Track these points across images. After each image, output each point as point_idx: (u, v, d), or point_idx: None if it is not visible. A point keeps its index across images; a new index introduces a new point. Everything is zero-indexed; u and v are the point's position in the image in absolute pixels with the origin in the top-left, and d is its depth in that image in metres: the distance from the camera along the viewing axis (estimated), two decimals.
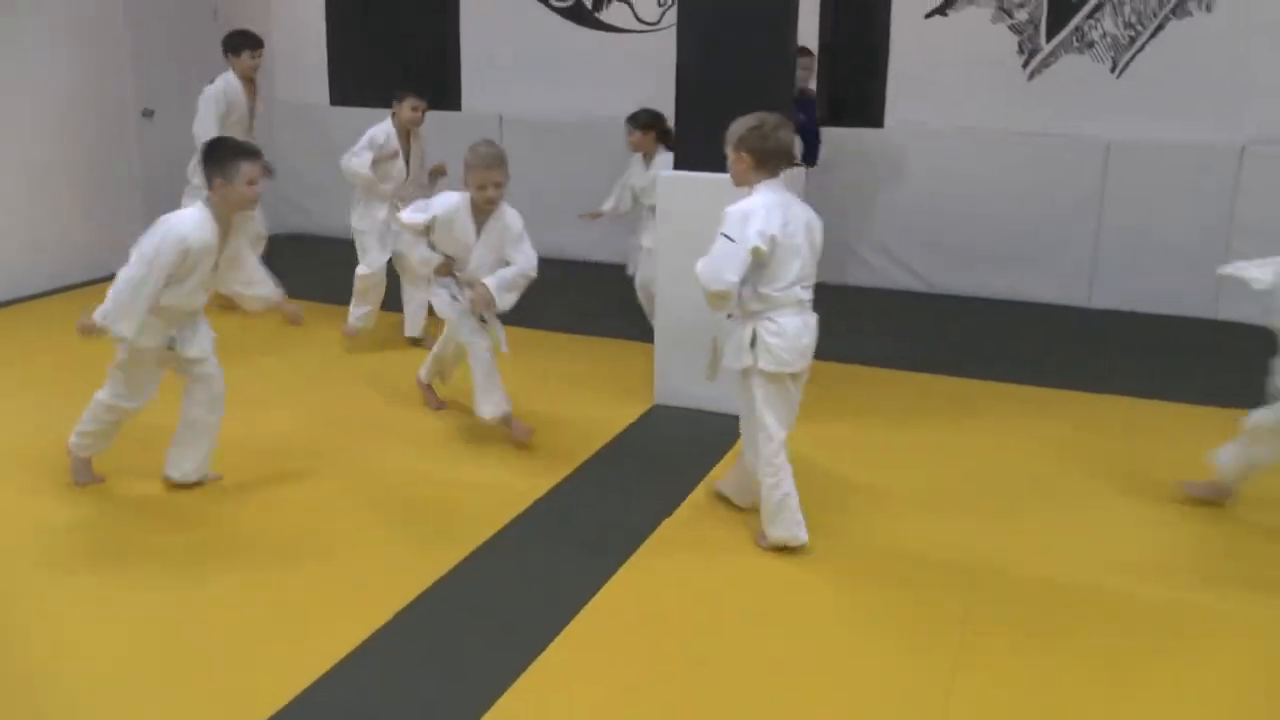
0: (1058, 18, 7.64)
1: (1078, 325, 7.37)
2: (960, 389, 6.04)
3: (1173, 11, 7.38)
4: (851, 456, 5.08)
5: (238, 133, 6.45)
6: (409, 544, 4.16)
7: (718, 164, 5.08)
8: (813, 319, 4.08)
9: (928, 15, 7.88)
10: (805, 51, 7.21)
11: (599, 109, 8.44)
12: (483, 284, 4.87)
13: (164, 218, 4.21)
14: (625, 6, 8.67)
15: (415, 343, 6.54)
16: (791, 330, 3.97)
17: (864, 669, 3.39)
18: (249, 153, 4.28)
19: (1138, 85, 7.48)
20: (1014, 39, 7.74)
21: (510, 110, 8.87)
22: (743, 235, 3.85)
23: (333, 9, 9.61)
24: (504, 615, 3.68)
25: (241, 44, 6.99)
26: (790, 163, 4.20)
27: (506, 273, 4.93)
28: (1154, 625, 3.66)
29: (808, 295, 4.05)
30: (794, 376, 4.05)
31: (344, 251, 6.91)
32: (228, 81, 6.95)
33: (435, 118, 8.80)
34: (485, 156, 4.87)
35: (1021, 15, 7.69)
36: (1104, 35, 7.54)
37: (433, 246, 5.06)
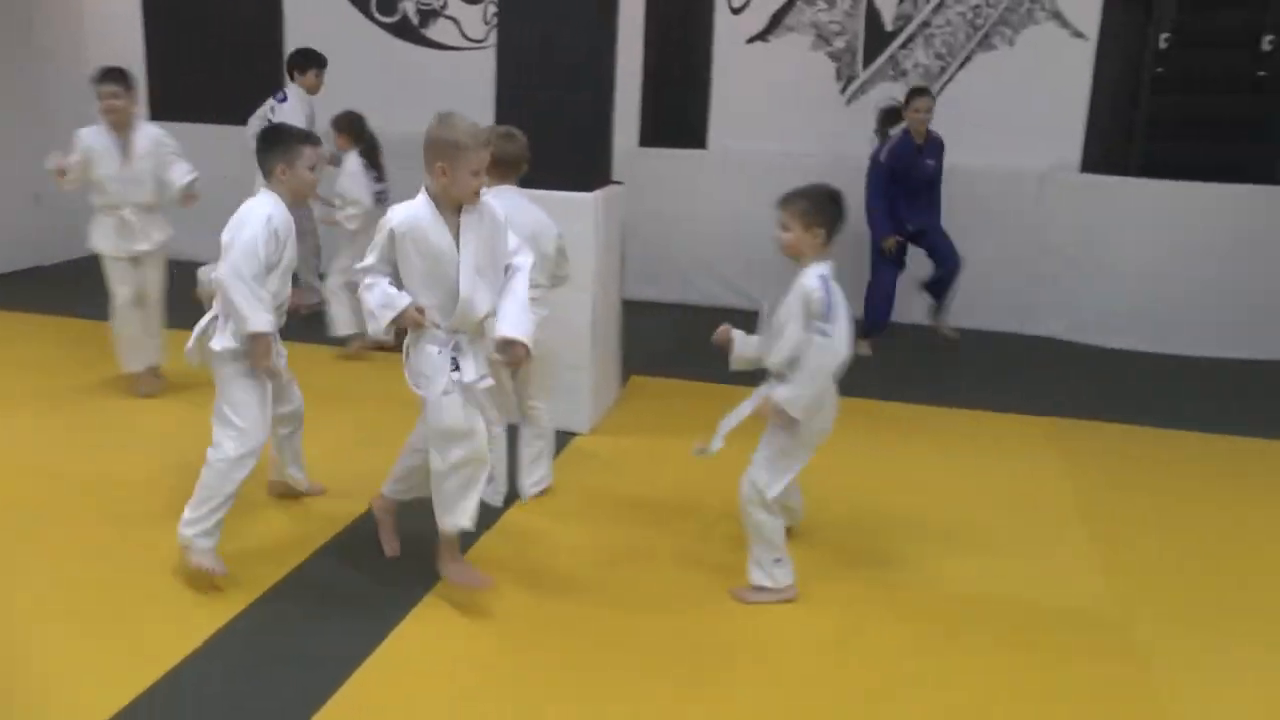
0: (873, 47, 7.93)
1: (898, 340, 7.63)
2: None
3: (979, 45, 7.74)
4: (662, 469, 5.16)
5: None
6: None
7: (539, 180, 5.13)
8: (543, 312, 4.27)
9: (749, 41, 8.10)
10: (922, 92, 7.11)
11: (424, 127, 8.36)
12: (509, 339, 3.68)
13: (236, 213, 3.97)
14: (452, 24, 8.66)
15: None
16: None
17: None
18: (310, 139, 4.18)
19: (949, 113, 7.78)
20: (832, 66, 8.00)
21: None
22: None
23: (151, 29, 9.32)
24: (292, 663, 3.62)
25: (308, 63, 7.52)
26: (518, 172, 4.48)
27: (518, 294, 3.77)
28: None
29: (537, 294, 4.19)
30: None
31: None
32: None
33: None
34: (473, 132, 3.72)
35: (839, 43, 7.96)
36: (916, 65, 7.85)
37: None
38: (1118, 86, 7.67)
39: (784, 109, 8.10)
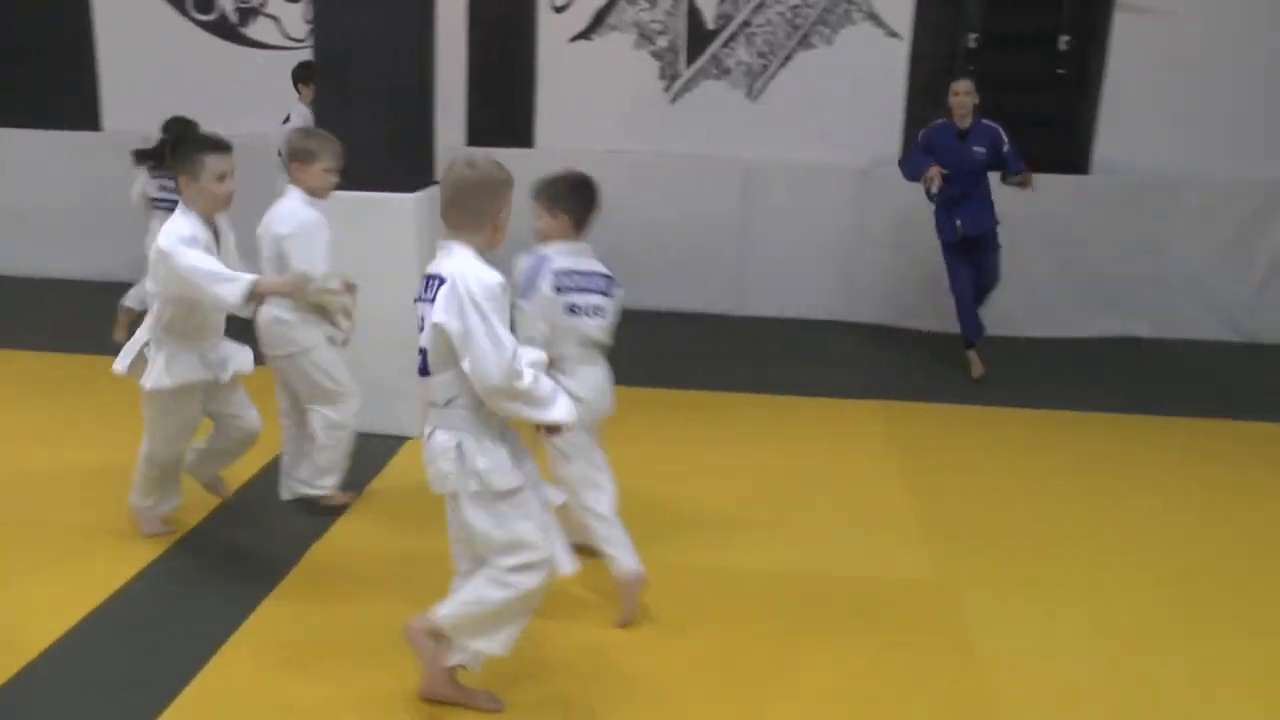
0: (696, 45, 8.06)
1: (730, 333, 7.78)
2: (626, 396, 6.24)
3: (799, 44, 7.93)
4: None
5: None
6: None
7: (360, 181, 5.08)
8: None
9: (572, 39, 8.14)
10: (961, 75, 6.89)
11: (249, 127, 8.18)
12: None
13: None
14: (272, 22, 8.47)
15: None
16: None
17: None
18: (216, 145, 3.87)
19: (772, 110, 7.99)
20: (656, 64, 8.11)
21: (157, 129, 8.43)
22: None
23: None
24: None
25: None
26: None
27: None
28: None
29: None
30: None
31: None
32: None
33: (73, 139, 8.35)
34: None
35: (662, 42, 8.06)
36: (739, 63, 8.01)
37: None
38: (933, 84, 7.94)
39: (609, 107, 8.17)
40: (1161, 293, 7.87)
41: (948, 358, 7.31)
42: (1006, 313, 7.75)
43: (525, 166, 8.17)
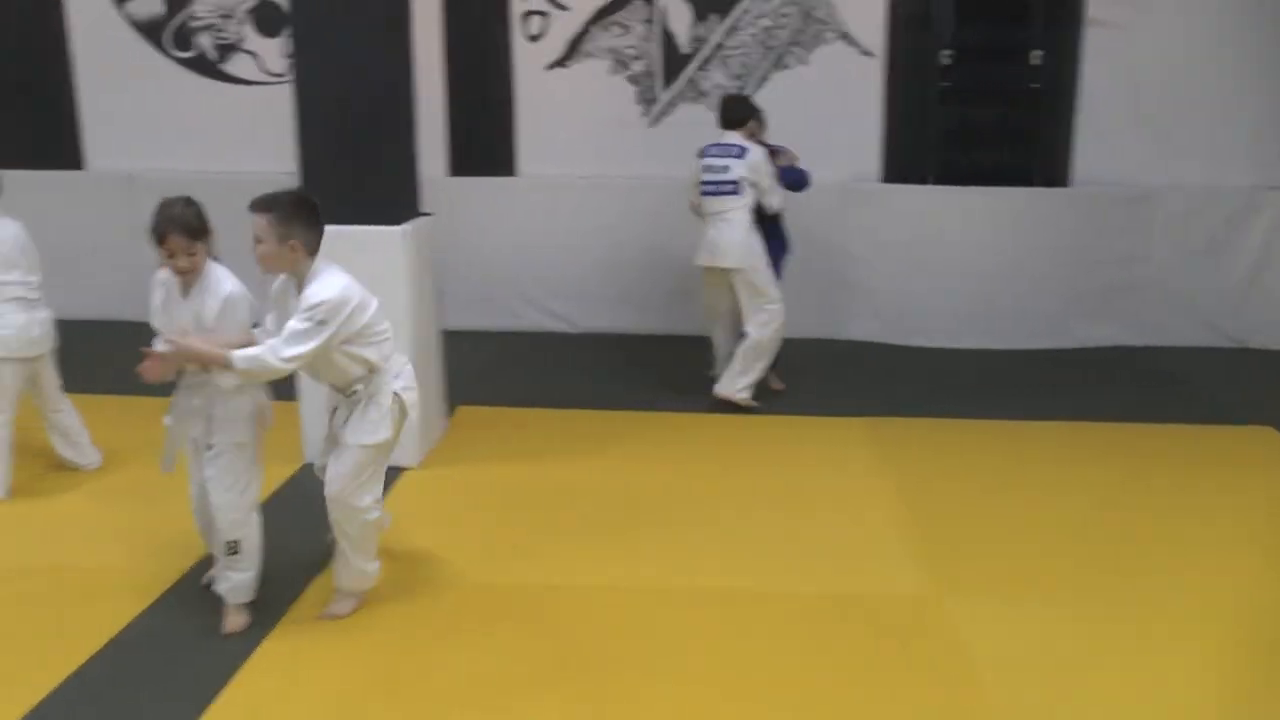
0: (672, 70, 8.13)
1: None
2: (606, 421, 6.33)
3: (775, 65, 8.02)
4: (493, 498, 5.21)
5: None
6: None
7: (346, 214, 5.12)
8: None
9: (548, 67, 8.20)
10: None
11: (232, 165, 8.25)
12: None
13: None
14: (250, 58, 8.50)
15: None
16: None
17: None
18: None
19: None
20: (633, 89, 8.17)
21: (141, 168, 8.46)
22: None
23: None
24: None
25: None
26: None
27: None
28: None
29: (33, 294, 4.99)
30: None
31: None
32: None
33: (57, 179, 8.36)
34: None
35: (638, 67, 8.14)
36: (716, 86, 8.07)
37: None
38: (908, 101, 8.05)
39: (589, 133, 8.23)
40: (1142, 300, 7.96)
41: (938, 372, 7.39)
42: (994, 324, 7.86)
43: (509, 195, 8.40)
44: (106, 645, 3.81)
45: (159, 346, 3.70)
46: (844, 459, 5.72)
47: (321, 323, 3.63)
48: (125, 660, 3.74)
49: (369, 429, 3.85)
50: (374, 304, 3.85)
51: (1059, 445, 5.97)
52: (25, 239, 5.08)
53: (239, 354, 3.61)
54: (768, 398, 6.62)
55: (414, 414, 4.02)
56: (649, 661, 3.75)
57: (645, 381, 7.05)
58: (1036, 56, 7.83)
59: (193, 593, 4.18)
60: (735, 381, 6.37)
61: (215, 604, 3.96)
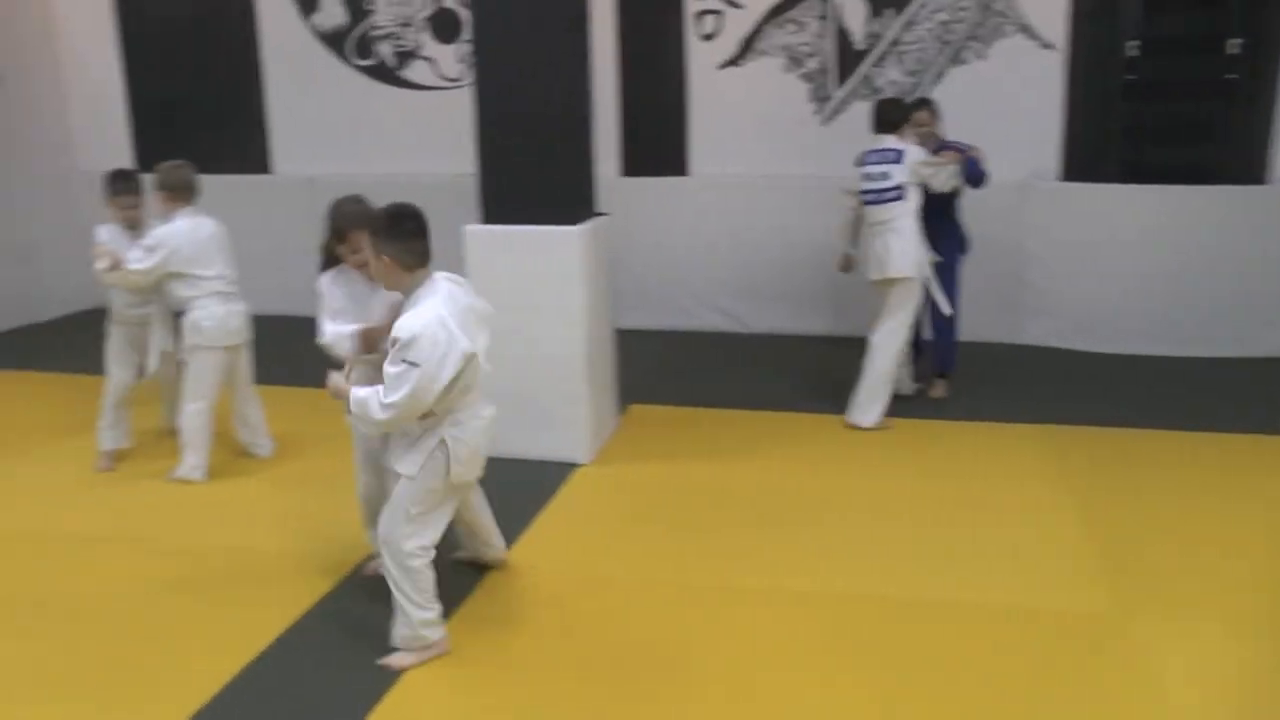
0: (846, 67, 8.02)
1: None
2: (779, 423, 6.26)
3: (951, 60, 7.83)
4: (665, 496, 5.21)
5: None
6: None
7: (524, 215, 5.22)
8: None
9: (721, 66, 8.18)
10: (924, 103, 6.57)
11: (410, 166, 8.54)
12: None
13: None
14: (428, 65, 8.73)
15: None
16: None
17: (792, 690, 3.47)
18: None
19: None
20: (806, 87, 8.09)
21: (321, 172, 8.78)
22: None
23: (132, 72, 9.39)
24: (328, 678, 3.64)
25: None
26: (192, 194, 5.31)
27: None
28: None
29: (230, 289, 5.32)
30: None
31: None
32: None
33: (246, 182, 8.75)
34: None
35: (812, 64, 8.05)
36: (890, 82, 7.93)
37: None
38: (1091, 95, 7.75)
39: (761, 132, 8.18)
40: None
41: (1121, 379, 7.10)
42: (1178, 330, 7.50)
43: (681, 195, 8.40)
44: (289, 628, 3.95)
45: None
46: (1017, 467, 5.51)
47: (413, 364, 3.42)
48: (306, 643, 3.89)
49: (399, 455, 3.68)
50: (459, 351, 3.50)
51: (1245, 459, 5.64)
52: (223, 237, 5.38)
53: (355, 394, 3.56)
54: (931, 404, 6.48)
55: (460, 467, 3.66)
56: (805, 665, 3.70)
57: (815, 384, 6.94)
58: (1234, 45, 7.44)
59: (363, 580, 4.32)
60: (868, 413, 6.14)
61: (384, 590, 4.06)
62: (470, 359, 3.54)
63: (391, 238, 3.53)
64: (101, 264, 5.25)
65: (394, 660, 3.71)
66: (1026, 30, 7.69)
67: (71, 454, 5.82)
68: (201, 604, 4.19)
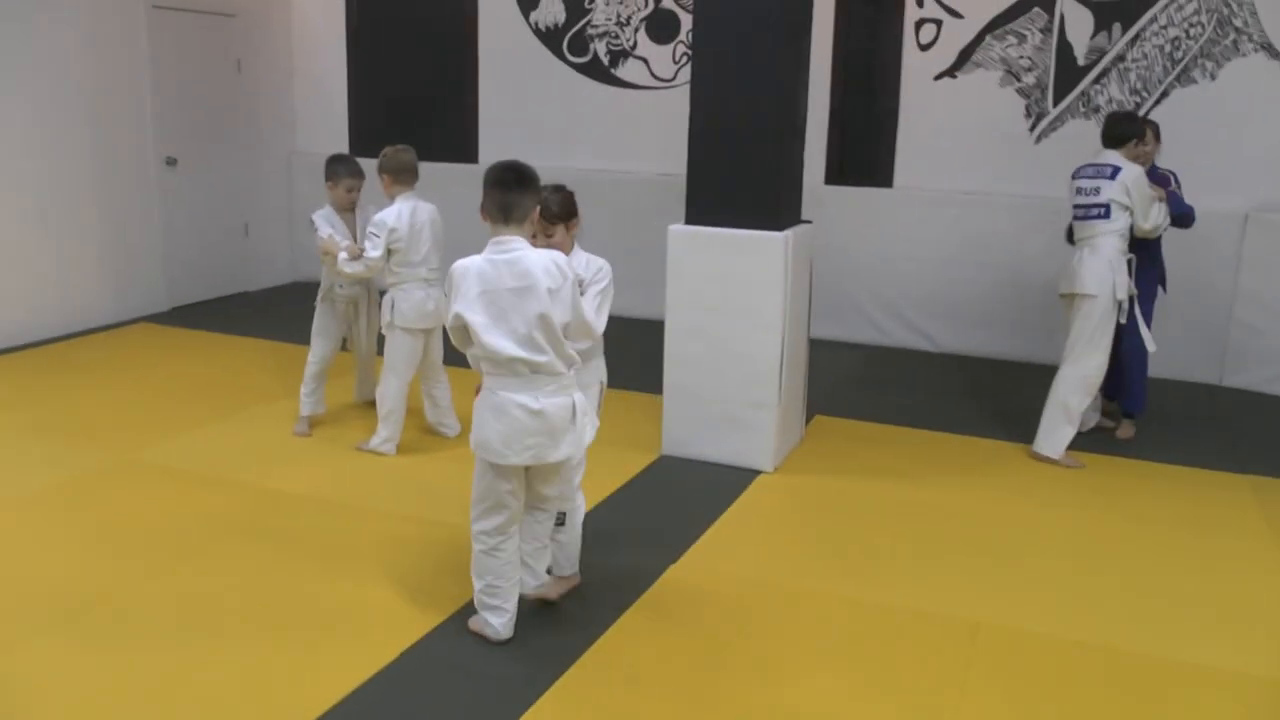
0: (1065, 83, 7.78)
1: None
2: (965, 447, 6.13)
3: (1178, 79, 7.50)
4: (846, 511, 5.15)
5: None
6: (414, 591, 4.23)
7: (730, 218, 5.24)
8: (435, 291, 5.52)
9: (936, 77, 8.04)
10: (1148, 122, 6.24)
11: (614, 164, 8.69)
12: None
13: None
14: (641, 64, 8.84)
15: None
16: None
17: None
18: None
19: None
20: (1021, 102, 7.88)
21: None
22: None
23: (355, 63, 9.84)
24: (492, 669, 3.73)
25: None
26: (413, 178, 5.63)
27: None
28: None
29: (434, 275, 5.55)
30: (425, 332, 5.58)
31: None
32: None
33: (454, 171, 9.02)
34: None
35: (1029, 79, 7.83)
36: (1110, 100, 7.65)
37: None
38: None
39: (971, 147, 8.01)
40: None
41: None
42: None
43: (883, 206, 8.30)
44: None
45: None
46: (1220, 518, 5.20)
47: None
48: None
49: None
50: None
51: None
52: (439, 224, 5.67)
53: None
54: (1119, 444, 6.21)
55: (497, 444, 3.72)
56: (977, 702, 3.61)
57: (1003, 409, 6.76)
58: None
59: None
60: (1047, 443, 5.89)
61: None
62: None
63: (486, 190, 3.68)
64: (342, 256, 5.60)
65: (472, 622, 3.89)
66: (1269, 48, 7.29)
67: (274, 417, 6.21)
68: (401, 564, 4.38)
